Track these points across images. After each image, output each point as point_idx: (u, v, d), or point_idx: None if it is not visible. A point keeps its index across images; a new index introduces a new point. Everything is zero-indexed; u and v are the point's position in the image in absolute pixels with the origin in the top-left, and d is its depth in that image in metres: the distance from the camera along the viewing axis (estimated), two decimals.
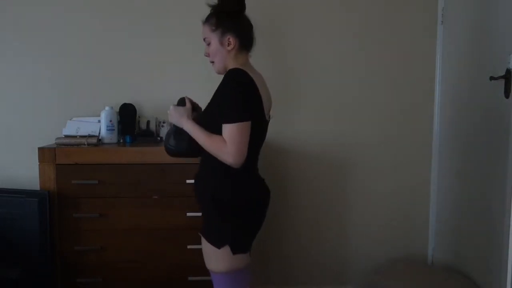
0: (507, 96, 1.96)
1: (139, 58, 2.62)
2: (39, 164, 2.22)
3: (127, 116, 2.50)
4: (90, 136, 2.35)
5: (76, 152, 2.24)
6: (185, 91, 2.58)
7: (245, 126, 1.62)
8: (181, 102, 1.84)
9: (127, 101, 2.52)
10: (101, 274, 2.27)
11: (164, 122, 2.57)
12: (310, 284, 2.74)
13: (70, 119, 2.49)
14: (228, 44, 1.74)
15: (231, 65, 1.75)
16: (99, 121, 2.43)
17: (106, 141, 2.40)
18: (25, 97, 2.61)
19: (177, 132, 1.79)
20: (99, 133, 2.41)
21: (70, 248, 2.25)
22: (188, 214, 2.19)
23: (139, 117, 2.57)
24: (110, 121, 2.41)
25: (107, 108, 2.42)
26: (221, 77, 1.70)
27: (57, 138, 2.35)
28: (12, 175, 2.60)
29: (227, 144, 1.61)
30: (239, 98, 1.63)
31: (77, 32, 2.59)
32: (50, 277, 2.22)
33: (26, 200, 2.18)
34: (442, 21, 2.64)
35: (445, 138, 2.64)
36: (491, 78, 2.04)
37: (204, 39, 1.79)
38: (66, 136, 2.39)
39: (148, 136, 2.52)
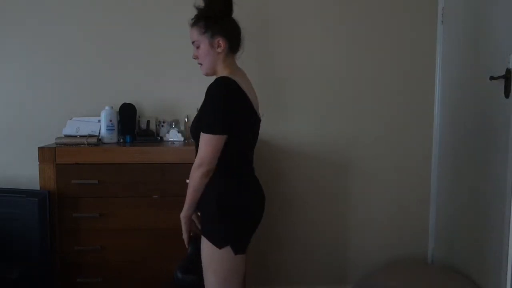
0: (507, 96, 1.96)
1: (139, 58, 2.62)
2: (39, 164, 2.22)
3: (127, 116, 2.50)
4: (90, 136, 2.35)
5: (76, 152, 2.24)
6: (185, 91, 2.60)
7: (218, 139, 1.65)
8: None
9: (127, 101, 2.52)
10: (101, 274, 2.27)
11: (164, 122, 2.57)
12: (310, 284, 2.74)
13: (70, 119, 2.48)
14: (218, 46, 1.76)
15: (220, 67, 1.78)
16: (99, 121, 2.43)
17: (106, 141, 2.40)
18: (25, 97, 2.61)
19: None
20: (99, 133, 2.41)
21: (70, 248, 2.25)
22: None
23: (139, 117, 2.57)
24: (110, 121, 2.41)
25: (107, 108, 2.42)
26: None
27: (57, 138, 2.35)
28: (12, 175, 2.60)
29: (198, 151, 1.67)
30: (219, 110, 1.66)
31: (77, 32, 2.59)
32: (50, 277, 2.22)
33: (26, 200, 2.18)
34: (442, 21, 2.64)
35: (445, 138, 2.64)
36: (491, 78, 2.04)
37: (192, 42, 1.80)
38: (66, 136, 2.39)
39: (148, 136, 2.52)
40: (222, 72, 1.76)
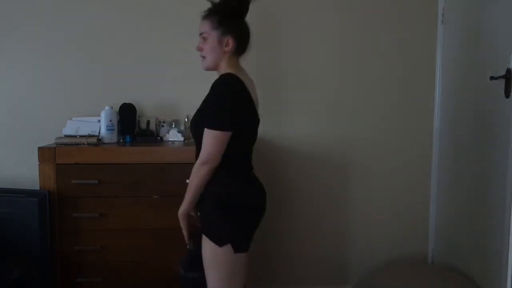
0: (507, 96, 1.96)
1: (139, 58, 2.62)
2: (39, 164, 2.22)
3: (127, 116, 2.50)
4: (90, 136, 2.35)
5: (76, 152, 2.24)
6: (185, 91, 2.60)
7: (224, 135, 1.64)
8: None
9: (127, 101, 2.52)
10: (101, 274, 2.27)
11: (164, 122, 2.57)
12: (310, 284, 2.74)
13: (70, 119, 2.48)
14: (226, 45, 1.75)
15: (223, 66, 1.76)
16: (99, 121, 2.43)
17: (106, 141, 2.40)
18: (25, 97, 2.61)
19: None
20: (99, 133, 2.41)
21: (70, 248, 2.25)
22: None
23: (139, 117, 2.57)
24: (110, 121, 2.41)
25: (107, 108, 2.42)
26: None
27: (57, 138, 2.35)
28: (12, 175, 2.60)
29: (203, 147, 1.66)
30: (226, 106, 1.64)
31: (77, 32, 2.59)
32: (50, 277, 2.22)
33: (26, 200, 2.17)
34: (442, 21, 2.64)
35: (445, 138, 2.64)
36: (491, 78, 2.04)
37: (200, 34, 1.78)
38: (66, 136, 2.39)
39: (148, 136, 2.52)
40: (225, 70, 1.74)
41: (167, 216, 2.24)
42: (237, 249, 1.68)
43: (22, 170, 2.57)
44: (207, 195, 1.71)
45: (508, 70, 1.95)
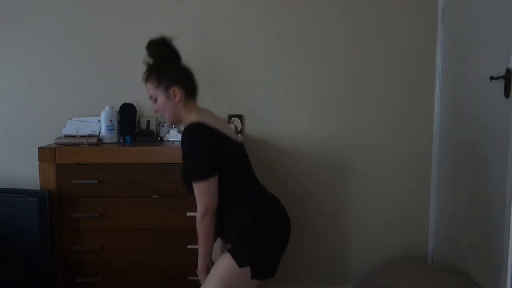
0: (507, 96, 1.96)
1: (139, 58, 2.61)
2: (39, 164, 2.22)
3: (127, 116, 2.50)
4: (90, 136, 2.35)
5: (76, 152, 2.24)
6: None
7: (211, 181, 1.68)
8: None
9: (127, 101, 2.52)
10: (101, 274, 2.27)
11: (164, 122, 2.57)
12: (310, 284, 2.74)
13: (70, 119, 2.49)
14: (175, 96, 1.77)
15: (184, 115, 1.80)
16: (99, 121, 2.43)
17: (106, 141, 2.40)
18: (25, 97, 2.61)
19: None
20: (99, 133, 2.41)
21: (70, 248, 2.25)
22: (188, 214, 2.19)
23: (139, 117, 2.57)
24: (110, 121, 2.41)
25: (107, 108, 2.42)
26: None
27: (57, 138, 2.35)
28: (12, 175, 2.60)
29: (198, 200, 1.70)
30: (201, 157, 1.69)
31: (77, 32, 2.59)
32: (50, 277, 2.22)
33: (26, 200, 2.18)
34: (442, 21, 2.64)
35: (445, 138, 2.64)
36: (491, 78, 2.04)
37: (150, 97, 1.83)
38: (66, 136, 2.39)
39: (148, 136, 2.52)
40: (187, 118, 1.78)
41: (167, 216, 2.25)
42: (255, 274, 1.67)
43: (22, 170, 2.57)
44: (229, 231, 1.74)
45: (508, 70, 1.95)
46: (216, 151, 1.69)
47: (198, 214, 1.71)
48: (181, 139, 1.72)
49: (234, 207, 1.74)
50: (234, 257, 1.67)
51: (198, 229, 1.72)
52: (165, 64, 1.80)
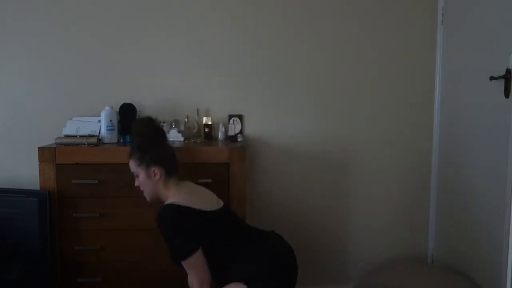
0: (507, 96, 1.96)
1: (139, 58, 2.62)
2: (39, 164, 2.22)
3: (127, 116, 2.49)
4: (90, 136, 2.35)
5: (76, 152, 2.24)
6: (185, 91, 2.60)
7: (195, 256, 1.77)
8: None
9: (127, 101, 2.52)
10: (101, 274, 2.27)
11: (164, 122, 2.57)
12: (310, 284, 2.74)
13: (70, 119, 2.48)
14: (155, 175, 1.88)
15: (163, 193, 1.90)
16: (99, 121, 2.43)
17: (106, 141, 2.40)
18: (25, 97, 2.61)
19: None
20: (99, 133, 2.41)
21: (70, 248, 2.25)
22: None
23: (139, 117, 2.57)
24: (110, 121, 2.41)
25: (107, 108, 2.41)
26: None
27: (57, 138, 2.35)
28: (12, 175, 2.60)
29: (190, 275, 1.82)
30: (179, 238, 1.78)
31: (77, 32, 2.59)
32: (50, 277, 2.22)
33: (26, 200, 2.17)
34: (442, 21, 2.64)
35: (445, 138, 2.64)
36: (491, 78, 2.04)
37: (133, 173, 1.92)
38: (66, 136, 2.39)
39: None
40: (166, 195, 1.88)
41: None
42: None
43: (22, 170, 2.57)
44: (233, 279, 1.79)
45: (508, 70, 1.95)
46: (192, 228, 1.78)
47: (195, 287, 1.80)
48: (158, 222, 1.80)
49: (233, 262, 1.81)
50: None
51: None
52: (149, 143, 1.91)
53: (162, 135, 1.98)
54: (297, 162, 2.69)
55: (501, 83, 1.99)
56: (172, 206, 1.81)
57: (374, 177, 2.73)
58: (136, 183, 1.94)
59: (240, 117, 2.62)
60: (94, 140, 2.31)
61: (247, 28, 2.63)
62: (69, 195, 2.23)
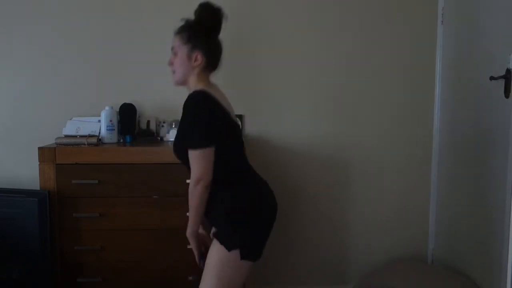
0: (507, 96, 1.96)
1: (139, 58, 2.62)
2: (39, 164, 2.22)
3: (127, 116, 2.50)
4: (90, 136, 2.35)
5: (76, 152, 2.24)
6: (185, 91, 2.59)
7: (207, 152, 1.66)
8: None
9: (127, 101, 2.52)
10: (101, 274, 2.27)
11: (164, 122, 2.57)
12: (310, 284, 2.74)
13: (70, 119, 2.48)
14: (195, 60, 1.77)
15: (192, 81, 1.78)
16: (99, 121, 2.43)
17: (106, 141, 2.40)
18: (25, 97, 2.61)
19: None
20: (99, 133, 2.41)
21: (70, 248, 2.25)
22: (188, 214, 2.19)
23: (139, 117, 2.57)
24: (110, 121, 2.41)
25: (107, 108, 2.42)
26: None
27: (57, 138, 2.35)
28: (12, 175, 2.60)
29: (192, 168, 1.67)
30: (201, 124, 1.66)
31: (77, 32, 2.59)
32: (50, 277, 2.22)
33: (26, 200, 2.18)
34: (442, 21, 2.64)
35: (445, 138, 2.64)
36: (491, 78, 2.04)
37: (172, 48, 1.81)
38: (66, 136, 2.39)
39: (148, 136, 2.52)
40: (195, 85, 1.77)
41: (167, 216, 2.25)
42: (244, 256, 1.67)
43: (22, 170, 2.57)
44: (216, 212, 1.72)
45: (508, 70, 1.95)
46: (216, 122, 1.68)
47: (191, 182, 1.68)
48: (184, 105, 1.69)
49: (223, 188, 1.72)
50: (222, 242, 1.67)
51: (190, 197, 1.70)
52: (205, 30, 1.78)
53: (219, 29, 1.82)
54: (297, 161, 2.70)
55: (501, 83, 1.99)
56: (205, 93, 1.69)
57: (374, 177, 2.73)
58: (171, 60, 1.81)
59: (240, 117, 2.62)
60: (94, 140, 2.32)
61: (247, 28, 2.62)
62: (69, 195, 2.23)
